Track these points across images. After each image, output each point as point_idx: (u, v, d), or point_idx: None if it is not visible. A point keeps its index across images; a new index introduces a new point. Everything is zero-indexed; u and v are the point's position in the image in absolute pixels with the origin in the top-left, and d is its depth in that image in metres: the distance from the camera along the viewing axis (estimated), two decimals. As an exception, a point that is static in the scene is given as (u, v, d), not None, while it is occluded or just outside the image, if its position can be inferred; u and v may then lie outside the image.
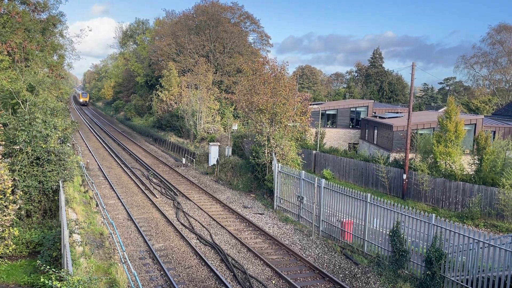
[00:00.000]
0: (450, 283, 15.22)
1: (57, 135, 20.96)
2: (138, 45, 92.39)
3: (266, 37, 68.49)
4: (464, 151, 30.92)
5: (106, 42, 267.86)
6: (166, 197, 28.27)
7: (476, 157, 28.97)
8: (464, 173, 28.24)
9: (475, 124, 36.38)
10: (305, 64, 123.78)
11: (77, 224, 16.31)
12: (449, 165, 28.81)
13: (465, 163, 29.60)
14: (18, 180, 17.79)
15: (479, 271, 14.55)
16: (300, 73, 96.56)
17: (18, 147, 18.26)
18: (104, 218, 21.92)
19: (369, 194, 19.06)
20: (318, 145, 39.75)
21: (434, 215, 16.18)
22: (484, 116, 44.51)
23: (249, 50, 62.44)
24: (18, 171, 18.09)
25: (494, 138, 33.41)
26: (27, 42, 28.56)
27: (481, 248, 14.55)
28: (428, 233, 16.11)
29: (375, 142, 42.50)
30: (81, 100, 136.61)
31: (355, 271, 17.37)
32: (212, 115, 51.32)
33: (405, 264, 16.76)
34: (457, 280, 15.01)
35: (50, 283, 10.05)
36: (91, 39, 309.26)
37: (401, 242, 16.71)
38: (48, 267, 11.21)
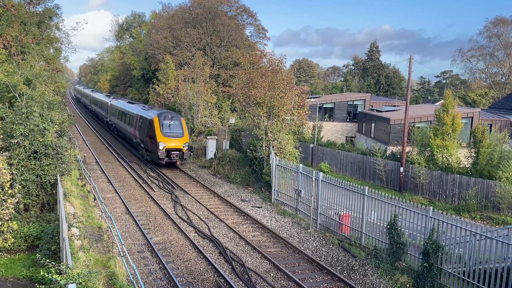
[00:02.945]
0: (447, 275, 15.35)
1: (54, 128, 20.90)
2: (134, 38, 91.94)
3: (263, 30, 68.26)
4: (461, 144, 31.05)
5: (103, 36, 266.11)
6: (164, 190, 28.28)
7: (472, 150, 29.09)
8: (461, 166, 28.38)
9: (472, 117, 36.49)
10: (302, 57, 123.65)
11: (75, 218, 16.33)
12: (446, 158, 28.94)
13: (462, 156, 29.72)
14: (16, 174, 17.74)
15: (475, 263, 14.67)
16: (297, 67, 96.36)
17: (15, 141, 18.20)
18: (102, 212, 21.92)
19: (366, 187, 19.13)
20: (315, 138, 39.80)
21: (431, 207, 16.28)
22: (481, 109, 44.63)
23: (246, 43, 62.21)
24: (16, 165, 18.03)
25: (490, 131, 33.53)
26: (23, 35, 28.35)
27: (477, 240, 14.67)
28: (426, 226, 16.22)
29: (372, 136, 42.58)
30: (161, 149, 32.63)
31: (353, 263, 17.48)
32: (209, 109, 51.20)
33: (402, 256, 16.88)
34: (454, 272, 15.15)
35: (49, 277, 10.07)
36: (87, 32, 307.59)
37: (399, 235, 16.82)
38: (47, 260, 11.24)
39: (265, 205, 25.77)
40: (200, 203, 25.42)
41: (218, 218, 22.60)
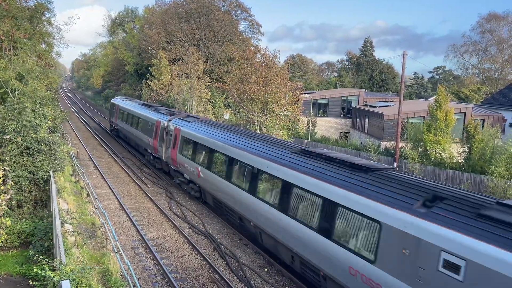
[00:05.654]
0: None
1: (47, 124, 20.76)
2: (127, 34, 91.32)
3: (257, 25, 68.22)
4: (453, 140, 31.25)
5: (96, 31, 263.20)
6: (158, 187, 28.20)
7: (465, 145, 29.31)
8: (454, 161, 28.57)
9: (465, 112, 36.69)
10: (296, 53, 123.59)
11: (68, 214, 16.27)
12: (439, 153, 29.12)
13: (455, 151, 29.92)
14: (8, 170, 17.62)
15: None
16: (291, 62, 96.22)
17: (7, 137, 18.06)
18: (96, 208, 21.85)
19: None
20: (309, 134, 39.85)
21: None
22: (474, 104, 44.90)
23: (240, 39, 62.09)
24: (8, 161, 17.91)
25: (483, 126, 33.77)
26: (15, 30, 28.05)
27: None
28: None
29: (366, 131, 42.70)
30: None
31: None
32: (203, 105, 51.09)
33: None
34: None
35: (43, 273, 10.04)
36: (81, 27, 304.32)
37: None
38: (40, 257, 11.19)
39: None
40: (194, 198, 25.38)
41: (213, 213, 22.59)
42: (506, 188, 24.43)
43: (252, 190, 16.72)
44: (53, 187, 17.10)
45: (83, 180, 26.84)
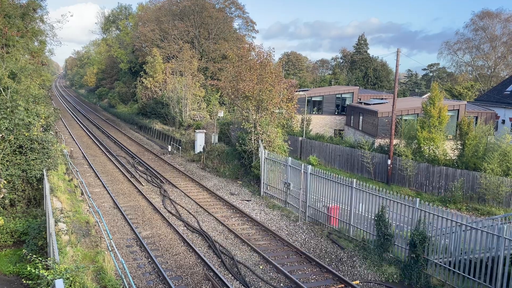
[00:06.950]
0: (433, 265, 15.56)
1: (40, 123, 20.63)
2: (121, 31, 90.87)
3: (252, 22, 68.03)
4: (447, 137, 31.39)
5: (90, 28, 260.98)
6: (152, 185, 28.15)
7: (459, 142, 29.44)
8: (447, 158, 28.69)
9: (458, 109, 36.86)
10: (290, 50, 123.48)
11: (62, 213, 16.19)
12: (433, 150, 29.24)
13: (448, 148, 30.05)
14: (1, 169, 17.51)
15: (461, 253, 14.89)
16: (285, 60, 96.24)
17: (0, 135, 17.92)
18: (89, 207, 21.75)
19: (354, 180, 19.25)
20: (304, 131, 39.88)
21: (418, 199, 16.45)
22: (467, 102, 45.12)
23: (234, 36, 61.94)
24: (1, 159, 17.78)
25: (476, 123, 33.95)
26: (7, 28, 27.81)
27: (463, 231, 14.88)
28: (412, 217, 16.39)
29: (360, 128, 42.81)
30: None
31: (341, 255, 17.63)
32: (198, 102, 50.98)
33: (390, 247, 17.05)
34: (440, 262, 15.36)
35: (36, 272, 9.98)
36: (75, 25, 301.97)
37: (386, 226, 16.98)
38: (34, 256, 11.12)
39: (254, 198, 25.81)
40: (189, 197, 25.36)
41: (207, 211, 22.58)
42: (498, 184, 24.62)
43: None
44: (47, 186, 17.01)
45: (76, 179, 26.70)
